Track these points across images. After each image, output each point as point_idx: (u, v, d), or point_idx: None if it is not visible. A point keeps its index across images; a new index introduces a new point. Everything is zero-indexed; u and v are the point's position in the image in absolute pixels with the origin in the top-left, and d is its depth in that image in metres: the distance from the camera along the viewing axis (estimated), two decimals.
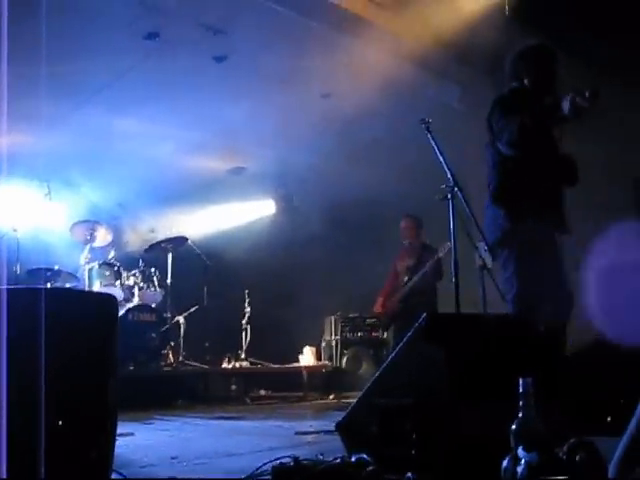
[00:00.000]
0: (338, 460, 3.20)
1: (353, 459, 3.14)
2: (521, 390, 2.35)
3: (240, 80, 8.39)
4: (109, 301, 2.95)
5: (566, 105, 4.06)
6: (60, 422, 2.60)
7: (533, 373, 2.41)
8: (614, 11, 6.72)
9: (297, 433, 4.98)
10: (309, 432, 5.00)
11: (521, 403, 2.34)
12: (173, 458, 3.83)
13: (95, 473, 2.70)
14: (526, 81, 4.61)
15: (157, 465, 3.60)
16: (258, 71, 8.24)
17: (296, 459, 3.16)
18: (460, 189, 4.91)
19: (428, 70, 7.94)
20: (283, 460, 3.16)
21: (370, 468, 3.01)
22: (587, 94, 3.97)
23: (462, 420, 2.88)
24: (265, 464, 3.16)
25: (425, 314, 3.02)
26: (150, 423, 5.97)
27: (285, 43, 7.61)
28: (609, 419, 3.46)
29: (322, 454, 3.36)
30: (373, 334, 10.27)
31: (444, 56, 7.45)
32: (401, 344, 3.16)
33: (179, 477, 3.15)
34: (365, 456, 3.08)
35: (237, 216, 11.65)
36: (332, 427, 5.04)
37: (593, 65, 7.85)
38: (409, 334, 3.06)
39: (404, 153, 9.28)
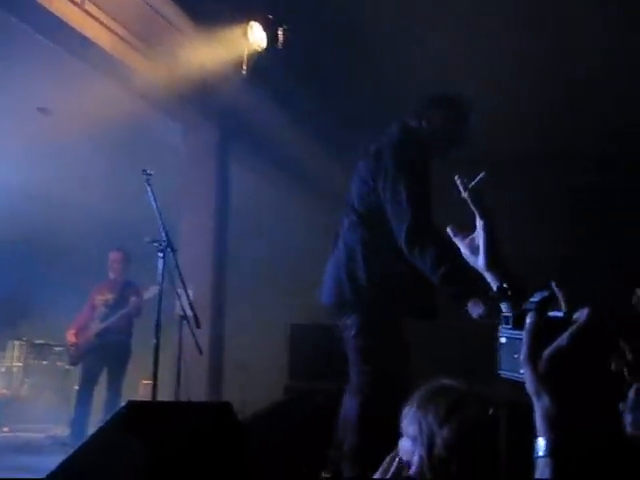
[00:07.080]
0: None
1: None
2: None
3: None
4: None
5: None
6: None
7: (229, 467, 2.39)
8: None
9: None
10: None
11: None
12: None
13: None
14: (425, 123, 4.01)
15: None
16: None
17: None
18: (173, 250, 4.82)
19: (155, 107, 7.82)
20: None
21: None
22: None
23: None
24: None
25: (127, 402, 2.88)
26: None
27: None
28: None
29: None
30: (59, 363, 9.78)
31: (174, 96, 7.36)
32: (99, 428, 3.00)
33: None
34: None
35: None
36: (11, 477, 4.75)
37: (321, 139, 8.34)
38: (109, 420, 2.91)
39: (121, 182, 9.03)
